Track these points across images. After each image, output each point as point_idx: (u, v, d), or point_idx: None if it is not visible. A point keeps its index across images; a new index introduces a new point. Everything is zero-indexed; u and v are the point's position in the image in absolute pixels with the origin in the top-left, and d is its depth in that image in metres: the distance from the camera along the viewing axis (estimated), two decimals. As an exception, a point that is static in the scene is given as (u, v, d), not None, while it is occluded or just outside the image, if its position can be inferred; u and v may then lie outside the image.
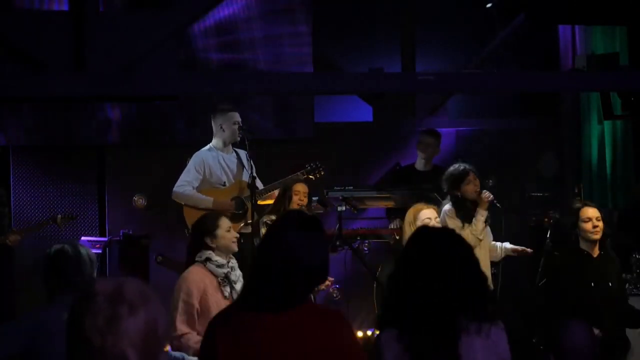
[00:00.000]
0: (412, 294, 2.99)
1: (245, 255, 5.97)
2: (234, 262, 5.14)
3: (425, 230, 3.48)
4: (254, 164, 6.91)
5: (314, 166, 7.12)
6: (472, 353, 2.99)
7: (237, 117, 7.03)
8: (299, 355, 2.86)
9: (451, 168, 6.67)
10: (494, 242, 6.80)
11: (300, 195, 6.59)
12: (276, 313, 2.88)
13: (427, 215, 6.19)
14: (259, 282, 2.96)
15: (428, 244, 3.12)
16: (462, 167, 6.61)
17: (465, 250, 3.13)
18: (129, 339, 1.96)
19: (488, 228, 6.71)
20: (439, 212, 6.45)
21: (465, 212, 6.57)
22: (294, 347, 2.86)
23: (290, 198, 6.56)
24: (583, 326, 3.93)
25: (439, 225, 6.19)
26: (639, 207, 7.77)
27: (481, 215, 6.48)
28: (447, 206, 6.64)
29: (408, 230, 6.22)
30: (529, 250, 6.80)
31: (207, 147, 7.07)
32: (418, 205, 6.34)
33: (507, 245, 6.81)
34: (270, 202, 6.93)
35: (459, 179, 6.60)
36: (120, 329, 1.96)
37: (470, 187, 6.58)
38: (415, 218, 6.22)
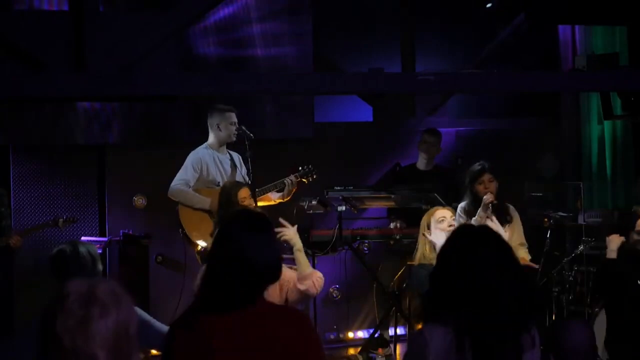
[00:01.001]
0: (477, 296, 2.82)
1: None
2: None
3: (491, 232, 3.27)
4: (254, 164, 6.91)
5: (306, 169, 7.12)
6: None
7: (234, 117, 7.03)
8: (257, 353, 2.86)
9: (475, 165, 6.69)
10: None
11: (247, 201, 6.29)
12: (230, 313, 2.89)
13: (442, 214, 6.15)
14: (211, 284, 2.97)
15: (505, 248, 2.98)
16: (479, 167, 6.62)
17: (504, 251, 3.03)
18: (100, 340, 1.96)
19: (520, 228, 6.67)
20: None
21: (472, 210, 6.57)
22: (251, 345, 2.86)
23: (236, 204, 6.19)
24: (583, 326, 3.93)
25: (454, 224, 6.13)
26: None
27: (479, 216, 6.43)
28: (461, 203, 6.66)
29: (422, 238, 6.14)
30: (535, 266, 6.74)
31: (204, 145, 7.07)
32: (432, 209, 6.30)
33: (522, 253, 6.73)
34: (266, 202, 6.92)
35: (473, 177, 6.62)
36: (92, 330, 1.97)
37: (480, 187, 6.59)
38: (430, 220, 6.15)
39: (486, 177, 6.58)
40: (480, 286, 2.80)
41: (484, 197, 6.48)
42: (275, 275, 3.05)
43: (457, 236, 3.06)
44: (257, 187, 6.79)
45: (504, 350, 2.78)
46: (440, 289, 2.90)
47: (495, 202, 6.52)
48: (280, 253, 3.13)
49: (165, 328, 4.24)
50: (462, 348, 2.77)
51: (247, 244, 2.95)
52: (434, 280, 2.95)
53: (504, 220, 6.58)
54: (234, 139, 7.02)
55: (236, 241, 2.97)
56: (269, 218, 3.17)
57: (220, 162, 7.04)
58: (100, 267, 3.99)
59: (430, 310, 2.96)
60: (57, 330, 1.96)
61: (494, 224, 6.41)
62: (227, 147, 7.13)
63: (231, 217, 3.22)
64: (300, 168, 7.11)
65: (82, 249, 3.94)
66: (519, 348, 2.82)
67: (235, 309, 2.89)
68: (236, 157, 7.09)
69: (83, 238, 7.49)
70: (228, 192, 6.30)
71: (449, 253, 2.95)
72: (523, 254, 6.62)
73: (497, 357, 2.79)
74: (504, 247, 2.94)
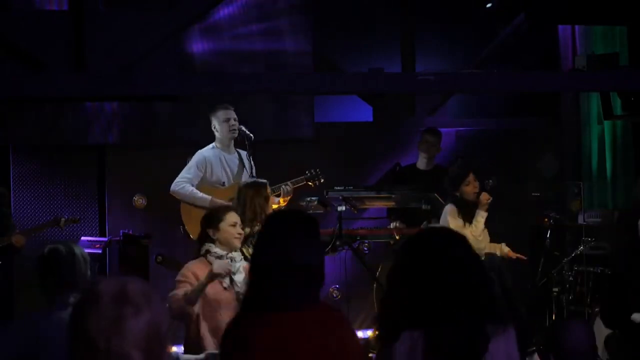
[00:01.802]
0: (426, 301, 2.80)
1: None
2: (235, 254, 5.12)
3: (431, 232, 3.28)
4: (254, 164, 6.92)
5: (313, 173, 7.14)
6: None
7: (228, 114, 7.01)
8: (305, 354, 2.86)
9: (452, 168, 6.72)
10: (491, 243, 6.84)
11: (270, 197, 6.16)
12: (280, 313, 2.88)
13: None
14: (258, 283, 2.96)
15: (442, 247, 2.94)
16: (464, 169, 6.65)
17: (470, 251, 3.02)
18: (134, 340, 1.94)
19: (485, 229, 6.75)
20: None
21: (466, 212, 6.60)
22: (299, 346, 2.86)
23: (265, 203, 5.97)
24: (583, 326, 3.92)
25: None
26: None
27: (481, 216, 6.52)
28: (449, 205, 6.68)
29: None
30: (524, 257, 6.83)
31: (210, 145, 7.09)
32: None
33: (505, 247, 6.83)
34: None
35: (458, 179, 6.65)
36: (125, 330, 1.94)
37: (469, 188, 6.61)
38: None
39: (471, 176, 6.65)
40: (439, 284, 2.80)
41: (482, 197, 6.53)
42: (316, 279, 2.98)
43: (423, 238, 3.04)
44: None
45: (465, 344, 2.78)
46: (400, 293, 2.87)
47: (491, 199, 6.58)
48: (322, 256, 3.06)
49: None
50: (425, 349, 2.77)
51: (289, 245, 2.94)
52: (394, 282, 2.92)
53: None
54: (234, 134, 7.01)
55: (278, 243, 2.96)
56: (311, 218, 3.10)
57: (227, 161, 7.05)
58: (89, 272, 3.97)
59: (391, 314, 2.91)
60: (91, 332, 1.93)
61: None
62: (235, 146, 7.13)
63: (273, 218, 3.21)
64: (307, 172, 7.13)
65: (77, 250, 3.93)
66: (484, 340, 2.81)
67: (287, 309, 2.89)
68: (245, 155, 7.08)
69: (83, 238, 7.50)
70: (245, 195, 6.00)
71: (414, 255, 2.92)
72: (504, 248, 6.79)
73: (459, 351, 2.78)
74: (462, 244, 2.94)
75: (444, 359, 2.76)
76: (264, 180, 6.19)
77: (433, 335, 2.76)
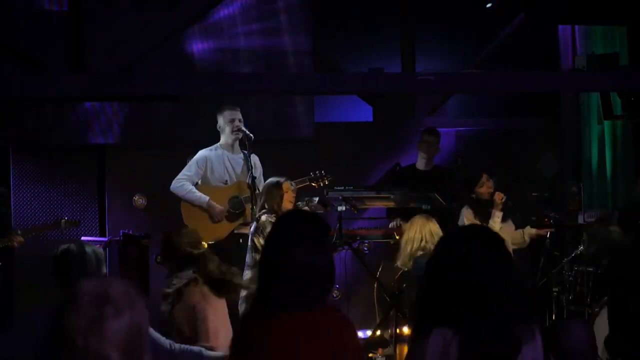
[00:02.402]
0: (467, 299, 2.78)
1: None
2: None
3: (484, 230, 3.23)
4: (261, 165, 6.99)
5: (317, 174, 7.16)
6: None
7: (233, 115, 7.04)
8: (305, 354, 2.86)
9: (464, 172, 6.81)
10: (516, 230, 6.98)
11: (289, 192, 6.54)
12: (281, 313, 2.88)
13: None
14: (263, 284, 2.96)
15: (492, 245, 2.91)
16: (474, 171, 6.75)
17: (481, 250, 3.00)
18: (113, 341, 1.95)
19: (510, 221, 6.85)
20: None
21: (483, 212, 6.71)
22: (299, 346, 2.86)
23: (280, 200, 6.52)
24: (583, 326, 3.92)
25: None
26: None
27: (497, 216, 6.65)
28: (464, 209, 6.78)
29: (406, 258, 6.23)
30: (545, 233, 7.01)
31: (214, 145, 7.12)
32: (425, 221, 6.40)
33: (531, 230, 6.98)
34: None
35: (473, 182, 6.73)
36: (105, 330, 1.95)
37: (483, 189, 6.71)
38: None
39: (484, 177, 6.73)
40: (471, 283, 2.79)
41: (497, 196, 6.65)
42: (321, 280, 2.99)
43: (451, 235, 3.05)
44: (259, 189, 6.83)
45: (499, 347, 2.77)
46: (433, 289, 2.87)
47: (505, 197, 6.68)
48: (332, 260, 3.04)
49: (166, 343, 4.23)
50: (459, 346, 2.75)
51: (286, 247, 2.92)
52: (427, 281, 2.93)
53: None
54: (238, 135, 7.03)
55: (286, 243, 2.95)
56: (318, 219, 3.07)
57: (230, 161, 7.07)
58: (104, 269, 3.97)
59: (424, 310, 2.91)
60: (70, 331, 1.95)
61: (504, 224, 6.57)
62: (242, 147, 7.14)
63: (281, 219, 3.20)
64: (311, 173, 7.15)
65: (88, 250, 3.93)
66: (516, 343, 2.79)
67: (294, 309, 2.89)
68: (254, 157, 7.08)
69: (83, 238, 7.49)
70: (262, 189, 6.58)
71: (442, 253, 2.93)
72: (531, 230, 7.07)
73: (493, 353, 2.77)
74: (495, 244, 2.92)
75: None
76: (282, 179, 6.55)
77: (462, 335, 2.75)
